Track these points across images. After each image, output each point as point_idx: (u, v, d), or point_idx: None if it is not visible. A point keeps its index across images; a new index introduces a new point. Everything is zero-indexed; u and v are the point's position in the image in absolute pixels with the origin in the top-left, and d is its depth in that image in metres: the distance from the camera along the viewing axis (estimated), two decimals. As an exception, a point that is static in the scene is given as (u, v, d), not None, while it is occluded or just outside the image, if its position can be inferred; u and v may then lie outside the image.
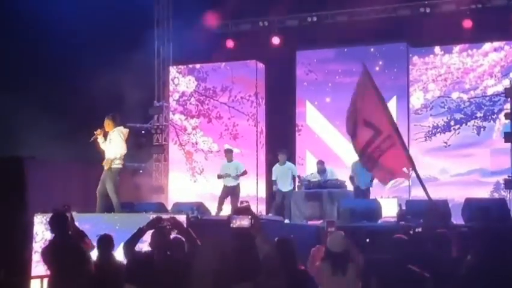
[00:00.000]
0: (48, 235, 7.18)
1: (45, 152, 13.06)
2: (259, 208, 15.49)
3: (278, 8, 16.25)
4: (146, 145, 16.66)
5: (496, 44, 15.13)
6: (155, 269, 5.97)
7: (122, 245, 6.56)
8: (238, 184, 14.07)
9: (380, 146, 6.75)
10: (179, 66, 17.13)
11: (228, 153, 14.42)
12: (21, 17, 13.48)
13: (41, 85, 13.91)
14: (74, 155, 12.82)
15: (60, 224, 6.90)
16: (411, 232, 8.54)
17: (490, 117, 14.98)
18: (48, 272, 7.08)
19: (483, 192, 14.43)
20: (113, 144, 10.75)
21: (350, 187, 14.07)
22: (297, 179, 14.06)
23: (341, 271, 6.17)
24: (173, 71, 17.13)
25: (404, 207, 11.77)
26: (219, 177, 14.15)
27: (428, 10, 15.33)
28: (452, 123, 15.28)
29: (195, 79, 17.01)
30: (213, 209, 13.43)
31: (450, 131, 15.31)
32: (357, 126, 6.98)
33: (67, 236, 6.93)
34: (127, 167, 14.63)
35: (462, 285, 6.01)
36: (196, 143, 16.85)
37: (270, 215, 13.85)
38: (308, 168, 15.62)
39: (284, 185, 13.86)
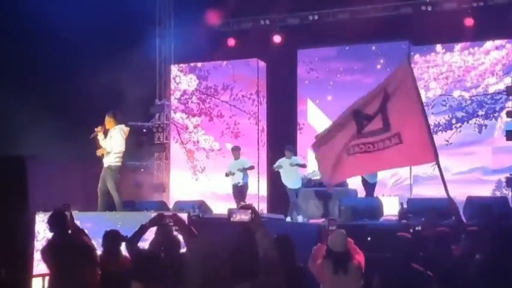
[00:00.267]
0: (50, 234, 7.17)
1: (46, 151, 13.05)
2: (261, 206, 15.48)
3: (279, 6, 16.24)
4: (147, 143, 16.68)
5: (498, 42, 15.13)
6: (161, 266, 5.97)
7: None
8: (246, 183, 14.03)
9: (383, 141, 6.83)
10: (181, 65, 17.13)
11: (235, 150, 14.36)
12: (22, 16, 13.46)
13: (41, 84, 13.89)
14: (75, 154, 12.81)
15: (59, 223, 6.90)
16: (411, 230, 8.53)
17: (491, 116, 14.96)
18: (48, 271, 7.08)
19: (485, 191, 14.42)
20: (113, 140, 10.76)
21: (351, 185, 14.08)
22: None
23: (343, 270, 6.17)
24: (174, 69, 17.13)
25: (405, 206, 11.78)
26: (227, 174, 14.09)
27: (429, 8, 15.31)
28: (453, 121, 15.27)
29: (196, 77, 17.01)
30: (214, 207, 13.43)
31: (451, 129, 15.30)
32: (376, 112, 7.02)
33: (66, 234, 6.93)
34: (128, 166, 14.68)
35: (473, 284, 5.98)
36: (198, 142, 16.85)
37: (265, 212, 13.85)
38: (309, 166, 15.60)
39: (290, 181, 13.71)
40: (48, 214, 7.20)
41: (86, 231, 7.54)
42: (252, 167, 14.21)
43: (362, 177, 13.36)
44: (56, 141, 12.63)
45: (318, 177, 13.92)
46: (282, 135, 16.27)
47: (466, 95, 15.26)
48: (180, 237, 6.27)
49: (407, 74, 7.24)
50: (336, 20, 16.14)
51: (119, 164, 10.82)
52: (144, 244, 6.64)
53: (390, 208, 12.62)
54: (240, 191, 13.94)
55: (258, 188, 15.84)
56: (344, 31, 15.59)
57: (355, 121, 7.19)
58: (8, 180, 12.01)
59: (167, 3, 16.97)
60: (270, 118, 16.71)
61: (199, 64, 17.06)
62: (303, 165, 13.88)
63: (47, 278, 7.36)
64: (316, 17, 16.22)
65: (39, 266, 8.84)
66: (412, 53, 15.64)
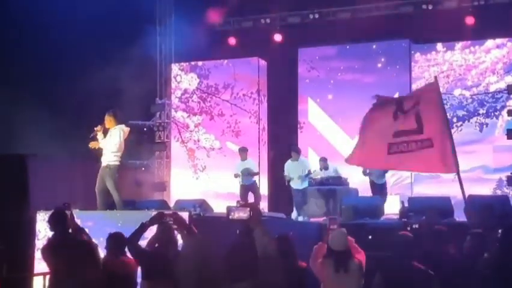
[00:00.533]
0: (51, 233, 7.18)
1: (47, 149, 13.07)
2: (262, 205, 15.46)
3: (280, 5, 16.26)
4: (148, 142, 16.67)
5: (499, 40, 15.12)
6: (169, 263, 5.97)
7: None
8: (255, 181, 13.98)
9: (416, 143, 7.26)
10: (182, 64, 17.12)
11: (242, 152, 14.20)
12: (23, 15, 13.47)
13: (42, 82, 13.91)
14: (75, 153, 12.81)
15: (60, 222, 6.90)
16: (408, 228, 8.53)
17: (492, 114, 14.96)
18: (49, 270, 7.08)
19: (485, 189, 14.40)
20: (111, 139, 10.74)
21: (352, 184, 14.07)
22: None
23: (343, 269, 6.17)
24: (175, 68, 17.13)
25: (406, 205, 11.77)
26: (236, 176, 14.03)
27: (430, 7, 15.31)
28: (454, 120, 15.25)
29: (197, 76, 17.00)
30: (215, 206, 13.41)
31: (452, 128, 15.19)
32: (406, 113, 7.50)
33: (67, 233, 6.93)
34: (129, 165, 14.69)
35: (483, 283, 5.97)
36: (198, 140, 16.85)
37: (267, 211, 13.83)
38: (310, 165, 15.59)
39: (296, 182, 13.60)
40: (49, 213, 7.20)
41: (86, 230, 7.53)
42: (256, 173, 14.11)
43: (369, 178, 13.36)
44: (56, 139, 12.64)
45: (318, 176, 13.93)
46: (282, 134, 16.29)
47: (467, 93, 15.25)
48: (178, 236, 6.29)
49: (436, 90, 7.86)
50: (337, 19, 16.15)
51: (117, 163, 10.80)
52: (144, 242, 6.65)
53: (391, 207, 12.63)
54: (252, 190, 13.83)
55: (258, 187, 15.82)
56: (345, 30, 15.61)
57: (394, 108, 7.64)
58: (9, 178, 12.03)
59: (168, 2, 16.96)
60: (271, 117, 16.71)
61: (199, 63, 17.06)
62: (309, 172, 13.76)
63: (47, 277, 7.37)
64: (317, 16, 16.22)
65: (40, 264, 8.85)
66: (413, 52, 15.65)
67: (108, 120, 10.82)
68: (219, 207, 13.36)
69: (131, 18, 14.65)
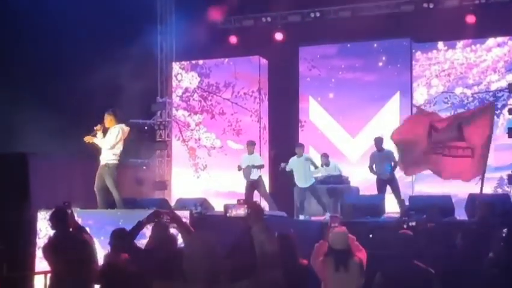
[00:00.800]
0: (52, 231, 7.19)
1: (48, 148, 13.07)
2: (263, 204, 15.45)
3: (281, 4, 16.23)
4: (148, 141, 16.67)
5: (500, 39, 15.10)
6: (164, 263, 5.96)
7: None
8: (260, 176, 13.74)
9: (457, 149, 7.46)
10: (182, 62, 17.12)
11: (249, 145, 13.85)
12: (23, 14, 13.47)
13: (42, 81, 13.91)
14: (76, 151, 12.82)
15: (61, 221, 6.90)
16: (404, 226, 8.53)
17: (493, 113, 14.93)
18: (50, 268, 7.09)
19: (486, 188, 14.34)
20: (110, 137, 10.73)
21: (353, 183, 14.07)
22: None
23: (343, 267, 6.17)
24: (176, 67, 17.13)
25: (407, 203, 11.76)
26: (239, 169, 13.86)
27: (431, 5, 15.29)
28: (455, 118, 15.25)
29: (198, 75, 17.00)
30: (216, 204, 13.41)
31: (453, 126, 15.27)
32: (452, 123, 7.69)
33: (68, 232, 6.93)
34: (129, 163, 14.69)
35: (493, 283, 5.96)
36: (199, 139, 16.84)
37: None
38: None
39: (301, 180, 13.37)
40: (50, 212, 7.21)
41: (87, 228, 7.55)
42: (261, 166, 13.77)
43: (377, 175, 13.26)
44: (57, 138, 12.64)
45: (319, 175, 13.92)
46: (283, 133, 16.28)
47: (468, 92, 15.24)
48: (177, 235, 6.27)
49: (491, 111, 8.39)
50: (338, 18, 16.14)
51: (116, 162, 10.79)
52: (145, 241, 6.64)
53: (392, 205, 12.62)
54: (257, 186, 13.62)
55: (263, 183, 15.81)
56: (346, 28, 15.59)
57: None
58: (10, 177, 12.03)
59: (169, 1, 16.97)
60: (272, 115, 16.70)
61: (200, 62, 17.05)
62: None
63: (48, 275, 7.37)
64: (317, 15, 16.21)
65: (41, 263, 8.86)
66: (414, 50, 15.64)
67: (108, 119, 10.82)
68: (219, 206, 13.35)
69: (132, 17, 14.65)
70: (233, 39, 16.89)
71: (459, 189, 13.39)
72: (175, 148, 17.01)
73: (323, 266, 6.27)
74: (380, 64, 15.85)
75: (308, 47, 16.53)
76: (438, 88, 15.46)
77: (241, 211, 4.03)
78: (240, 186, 14.03)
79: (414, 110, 8.60)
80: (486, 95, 15.09)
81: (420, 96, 15.54)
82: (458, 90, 15.31)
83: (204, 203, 12.75)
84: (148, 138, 16.67)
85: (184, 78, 17.06)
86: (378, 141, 13.22)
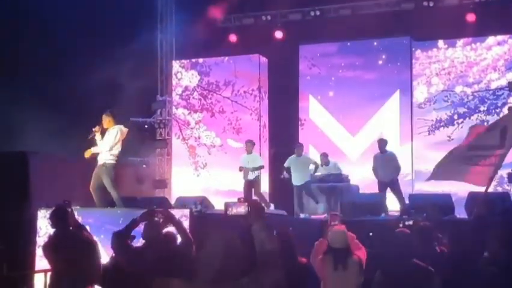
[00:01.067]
0: (52, 230, 7.19)
1: (48, 147, 13.07)
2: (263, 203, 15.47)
3: (281, 2, 16.24)
4: (149, 139, 16.67)
5: (500, 37, 15.09)
6: (153, 263, 5.94)
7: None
8: (258, 176, 13.74)
9: (490, 158, 7.26)
10: (182, 61, 17.11)
11: (248, 145, 13.93)
12: (23, 13, 13.47)
13: (42, 80, 13.91)
14: (76, 150, 12.81)
15: (61, 219, 6.91)
16: (400, 225, 8.53)
17: (493, 111, 14.93)
18: (50, 267, 7.09)
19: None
20: (109, 138, 10.72)
21: (353, 181, 14.06)
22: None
23: (342, 266, 6.17)
24: (176, 65, 17.12)
25: (407, 201, 11.76)
26: (240, 169, 13.83)
27: (431, 4, 15.29)
28: (455, 117, 15.24)
29: (198, 73, 16.99)
30: (216, 203, 13.42)
31: (453, 125, 15.28)
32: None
33: (68, 230, 6.94)
34: (129, 162, 14.69)
35: (492, 281, 5.95)
36: (199, 138, 16.84)
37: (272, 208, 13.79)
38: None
39: (297, 178, 13.49)
40: (50, 210, 7.21)
41: (87, 227, 7.54)
42: (261, 167, 13.84)
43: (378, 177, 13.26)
44: (57, 137, 12.64)
45: (319, 173, 13.92)
46: (283, 131, 16.28)
47: (468, 90, 15.23)
48: (172, 234, 6.27)
49: None
50: (338, 16, 16.13)
51: (113, 162, 10.78)
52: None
53: (392, 204, 12.62)
54: (254, 185, 13.67)
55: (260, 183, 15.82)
56: (346, 27, 15.57)
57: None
58: (10, 176, 12.02)
59: (169, -1, 16.99)
60: (272, 114, 16.70)
61: (200, 60, 17.05)
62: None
63: (48, 274, 7.37)
64: (317, 13, 16.21)
65: (41, 262, 8.86)
66: (414, 49, 15.63)
67: (107, 120, 10.80)
68: (219, 204, 13.36)
69: (133, 15, 14.64)
70: (233, 38, 16.89)
71: (459, 188, 13.39)
72: (175, 146, 17.00)
73: (322, 264, 6.28)
74: (380, 62, 15.85)
75: (308, 45, 16.53)
76: (439, 86, 15.46)
77: (242, 209, 4.04)
78: (239, 185, 14.04)
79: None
80: (486, 94, 15.09)
81: (420, 94, 15.54)
82: (458, 89, 15.30)
83: (203, 201, 12.75)
84: (148, 137, 16.68)
85: (184, 76, 17.05)
86: (382, 143, 13.22)
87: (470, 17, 15.02)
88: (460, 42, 15.35)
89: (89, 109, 12.59)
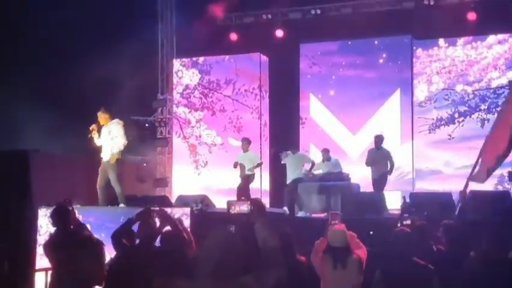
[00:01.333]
0: (53, 228, 7.19)
1: (49, 145, 13.07)
2: (263, 201, 15.46)
3: (281, 1, 16.24)
4: (149, 138, 16.68)
5: (500, 36, 15.11)
6: (146, 262, 5.93)
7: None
8: (253, 174, 13.65)
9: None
10: (183, 59, 17.13)
11: (244, 143, 13.80)
12: (23, 12, 13.46)
13: (43, 78, 13.91)
14: (77, 148, 12.83)
15: (62, 218, 6.91)
16: (398, 224, 8.54)
17: (494, 110, 14.93)
18: (51, 265, 7.09)
19: (487, 185, 14.33)
20: (113, 135, 10.72)
21: (354, 180, 14.06)
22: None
23: (342, 265, 6.17)
24: (176, 64, 17.13)
25: (408, 200, 11.76)
26: (235, 166, 13.83)
27: (432, 2, 15.30)
28: (456, 115, 15.26)
29: (199, 72, 17.01)
30: (216, 201, 13.43)
31: (454, 123, 15.29)
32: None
33: (68, 229, 6.94)
34: (130, 160, 14.69)
35: (468, 282, 5.96)
36: (200, 136, 16.85)
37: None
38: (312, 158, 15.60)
39: (288, 176, 13.34)
40: (51, 209, 7.21)
41: (88, 225, 7.54)
42: (259, 164, 13.82)
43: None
44: (58, 135, 12.64)
45: (320, 171, 13.92)
46: (284, 130, 16.28)
47: (469, 89, 15.24)
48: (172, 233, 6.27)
49: None
50: (339, 14, 16.13)
51: (118, 156, 10.82)
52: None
53: (393, 202, 12.62)
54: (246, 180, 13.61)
55: (260, 183, 15.83)
56: (346, 25, 15.58)
57: None
58: (11, 174, 12.02)
59: (170, -2, 16.99)
60: (273, 112, 16.71)
61: (201, 58, 17.06)
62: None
63: (49, 273, 7.38)
64: (318, 11, 16.21)
65: (42, 260, 8.87)
66: (414, 47, 15.64)
67: (103, 117, 10.82)
68: (220, 203, 13.39)
69: (133, 13, 14.65)
70: (234, 36, 16.89)
71: (459, 187, 13.40)
72: (175, 145, 17.02)
73: (321, 263, 6.28)
74: (381, 61, 15.86)
75: (309, 44, 16.54)
76: (439, 85, 15.47)
77: (244, 207, 4.06)
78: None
79: None
80: (487, 92, 15.10)
81: (421, 93, 15.55)
82: (459, 87, 15.31)
83: (204, 200, 12.76)
84: (148, 135, 16.69)
85: (184, 75, 17.06)
86: (378, 139, 13.22)
87: (471, 16, 15.03)
88: (461, 40, 15.35)
89: (90, 108, 12.59)
